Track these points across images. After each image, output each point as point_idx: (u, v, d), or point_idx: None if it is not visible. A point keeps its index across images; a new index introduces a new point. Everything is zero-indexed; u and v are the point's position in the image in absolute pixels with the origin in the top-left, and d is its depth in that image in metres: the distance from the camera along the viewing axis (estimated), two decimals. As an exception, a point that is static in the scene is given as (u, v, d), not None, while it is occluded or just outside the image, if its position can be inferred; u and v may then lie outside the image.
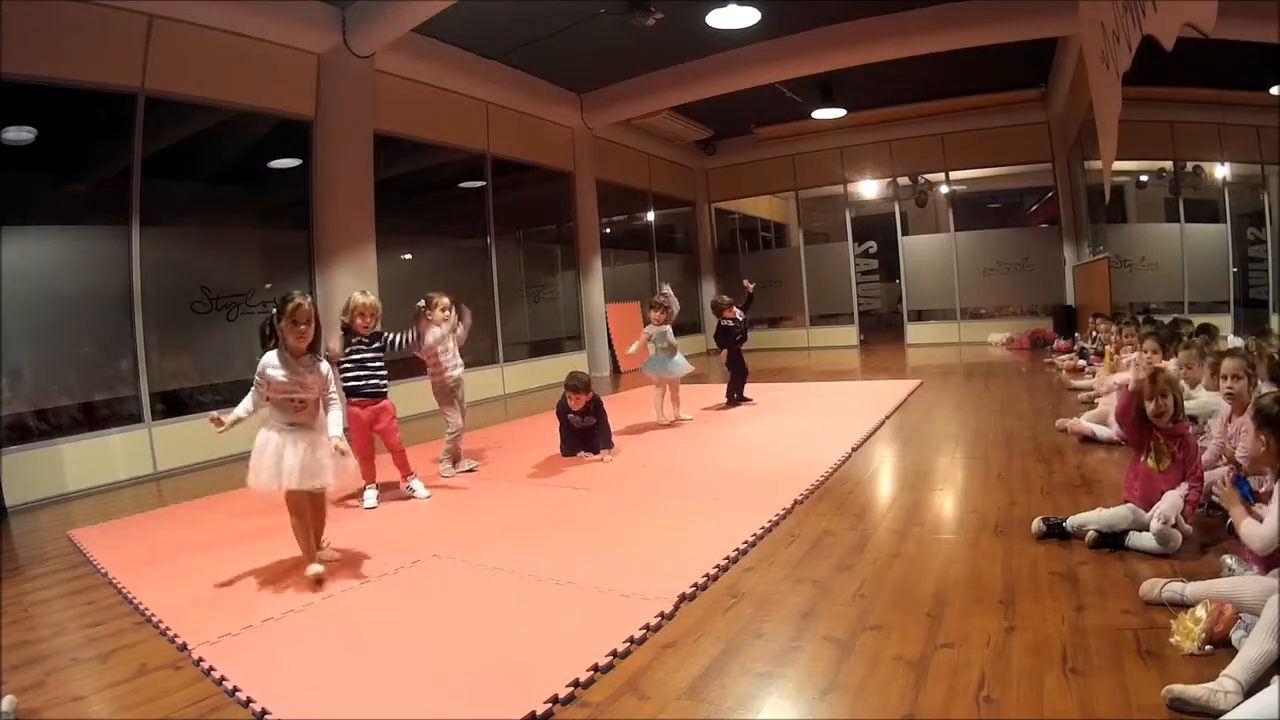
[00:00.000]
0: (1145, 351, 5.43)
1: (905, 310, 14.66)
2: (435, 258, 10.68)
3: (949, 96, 12.77)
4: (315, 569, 3.43)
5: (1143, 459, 3.26)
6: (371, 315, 4.82)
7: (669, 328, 6.94)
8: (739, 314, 7.84)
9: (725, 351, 7.92)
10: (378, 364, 4.86)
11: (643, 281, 14.69)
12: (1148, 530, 3.04)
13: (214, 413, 3.40)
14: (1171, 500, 3.04)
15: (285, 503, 3.48)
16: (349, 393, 4.76)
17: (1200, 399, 4.31)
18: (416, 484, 4.91)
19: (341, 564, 3.63)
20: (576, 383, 5.66)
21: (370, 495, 4.80)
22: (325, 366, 3.60)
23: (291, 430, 3.45)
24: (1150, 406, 3.22)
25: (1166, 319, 7.63)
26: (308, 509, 3.55)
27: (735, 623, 2.71)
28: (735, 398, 7.90)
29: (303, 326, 3.45)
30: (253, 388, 3.49)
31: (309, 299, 3.52)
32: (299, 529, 3.53)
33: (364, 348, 4.82)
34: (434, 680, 2.41)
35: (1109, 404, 5.45)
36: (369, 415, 4.83)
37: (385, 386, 4.91)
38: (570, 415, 5.78)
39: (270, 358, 3.45)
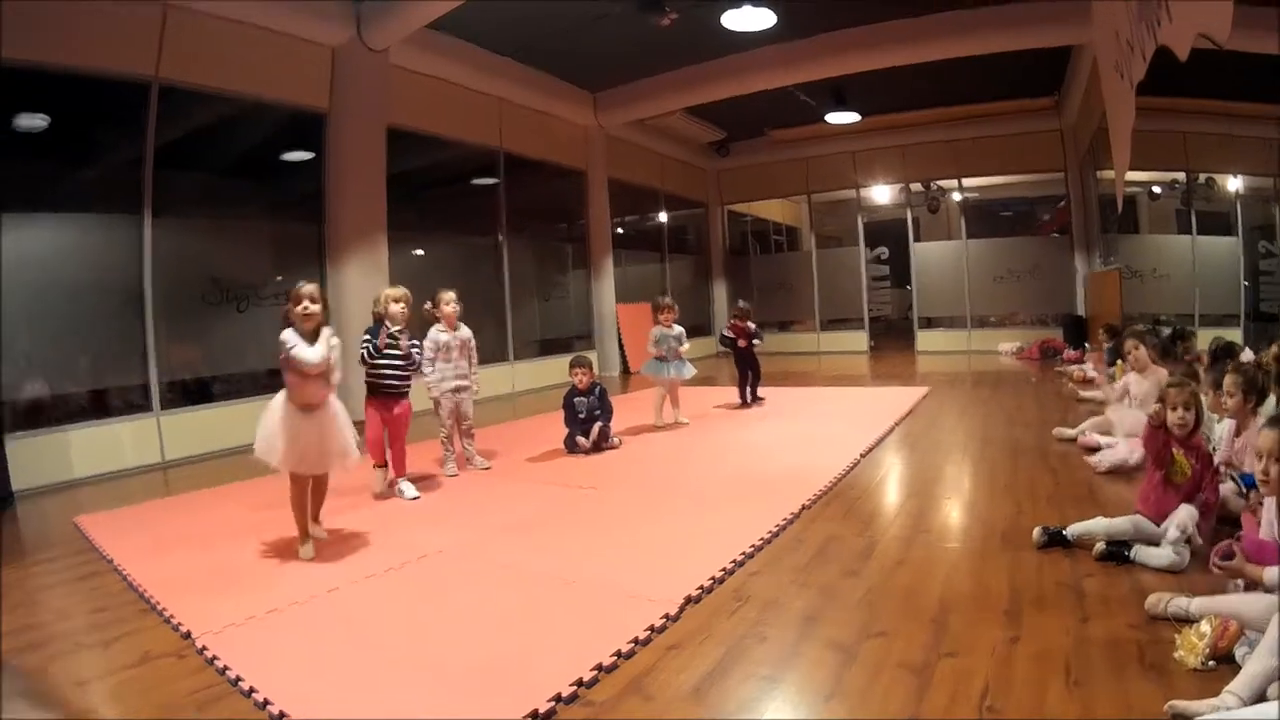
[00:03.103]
0: (1128, 350, 5.33)
1: (916, 317, 14.64)
2: (447, 254, 10.68)
3: (962, 103, 12.72)
4: (307, 552, 3.63)
5: (1161, 473, 3.25)
6: (407, 302, 4.79)
7: (679, 329, 6.94)
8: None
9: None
10: (408, 363, 4.84)
11: (654, 282, 14.68)
12: (1154, 544, 3.04)
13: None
14: (1189, 510, 3.04)
15: (290, 476, 3.67)
16: (376, 389, 4.79)
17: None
18: (406, 485, 4.86)
19: (347, 558, 3.64)
20: (582, 360, 6.05)
21: (408, 486, 4.83)
22: (335, 341, 3.72)
23: (308, 414, 3.61)
24: (1173, 416, 3.21)
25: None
26: (309, 482, 3.75)
27: (740, 626, 2.70)
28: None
29: (306, 304, 3.60)
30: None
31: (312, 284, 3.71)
32: (298, 502, 3.70)
33: (396, 345, 4.73)
34: (437, 675, 2.41)
35: (1115, 413, 5.43)
36: (398, 410, 4.85)
37: (408, 386, 4.94)
38: (576, 398, 5.96)
39: (290, 333, 3.60)
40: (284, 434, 3.55)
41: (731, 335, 7.99)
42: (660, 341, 6.85)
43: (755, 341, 7.99)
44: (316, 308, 3.64)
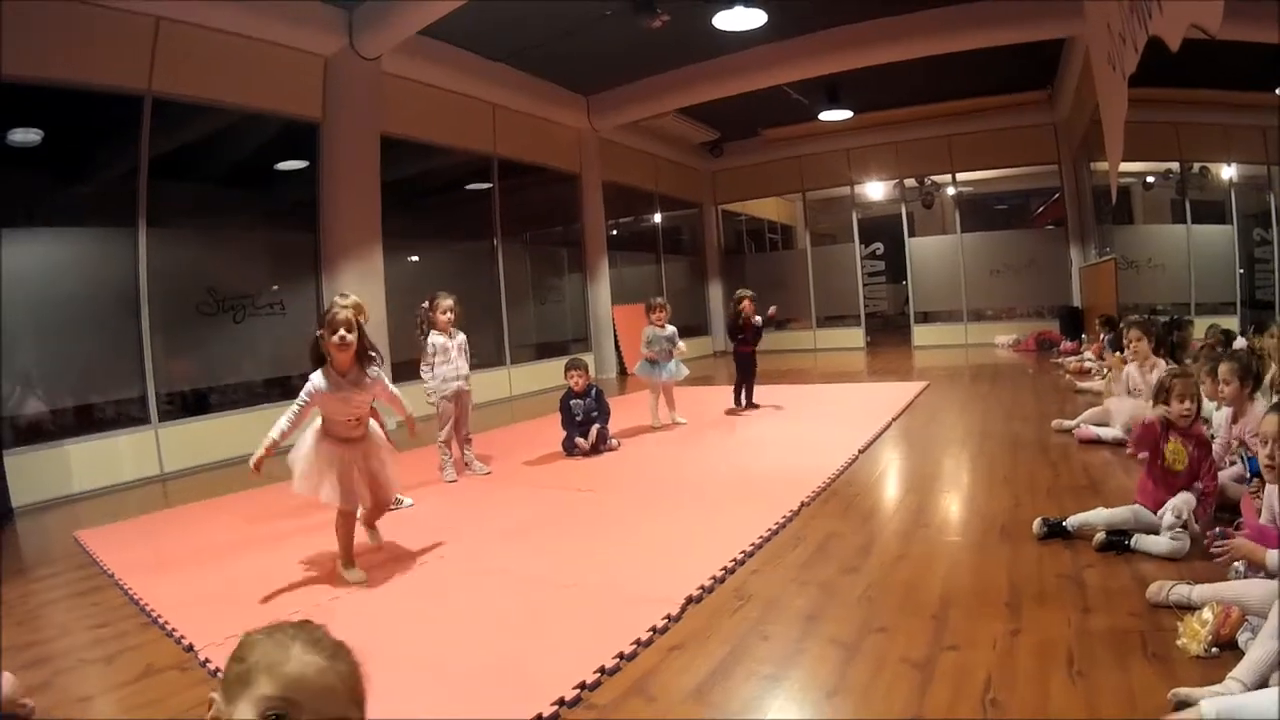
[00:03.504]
0: (1130, 340, 5.36)
1: (912, 312, 14.66)
2: (442, 259, 10.70)
3: (955, 98, 12.73)
4: (356, 575, 3.39)
5: (1159, 462, 3.26)
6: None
7: (671, 329, 6.86)
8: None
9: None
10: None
11: (650, 283, 14.69)
12: (1154, 533, 3.04)
13: (257, 454, 3.22)
14: (1185, 497, 3.05)
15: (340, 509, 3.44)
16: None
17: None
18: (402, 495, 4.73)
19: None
20: (578, 363, 6.06)
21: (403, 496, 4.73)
22: (375, 372, 3.45)
23: (350, 446, 3.41)
24: (1178, 407, 3.21)
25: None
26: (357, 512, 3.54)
27: (741, 625, 2.71)
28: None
29: (343, 333, 3.27)
30: (295, 407, 3.29)
31: (348, 302, 3.34)
32: (347, 530, 3.46)
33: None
34: (440, 681, 2.41)
35: (1115, 403, 5.44)
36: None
37: None
38: (573, 400, 5.95)
39: (317, 378, 3.30)
40: (337, 474, 3.34)
41: (742, 325, 7.35)
42: (653, 342, 6.77)
43: (759, 326, 7.44)
44: (353, 336, 3.32)
